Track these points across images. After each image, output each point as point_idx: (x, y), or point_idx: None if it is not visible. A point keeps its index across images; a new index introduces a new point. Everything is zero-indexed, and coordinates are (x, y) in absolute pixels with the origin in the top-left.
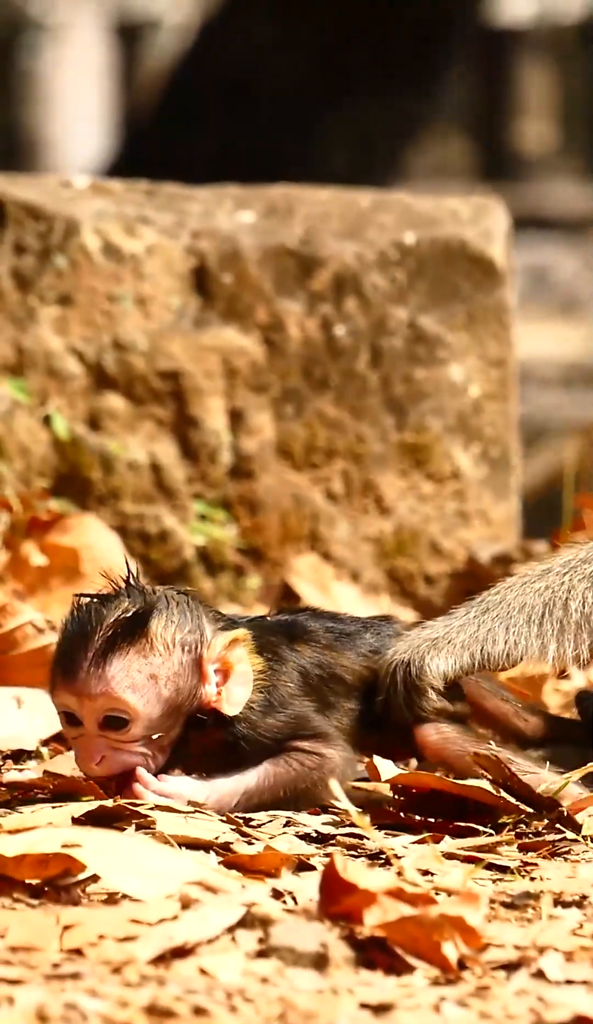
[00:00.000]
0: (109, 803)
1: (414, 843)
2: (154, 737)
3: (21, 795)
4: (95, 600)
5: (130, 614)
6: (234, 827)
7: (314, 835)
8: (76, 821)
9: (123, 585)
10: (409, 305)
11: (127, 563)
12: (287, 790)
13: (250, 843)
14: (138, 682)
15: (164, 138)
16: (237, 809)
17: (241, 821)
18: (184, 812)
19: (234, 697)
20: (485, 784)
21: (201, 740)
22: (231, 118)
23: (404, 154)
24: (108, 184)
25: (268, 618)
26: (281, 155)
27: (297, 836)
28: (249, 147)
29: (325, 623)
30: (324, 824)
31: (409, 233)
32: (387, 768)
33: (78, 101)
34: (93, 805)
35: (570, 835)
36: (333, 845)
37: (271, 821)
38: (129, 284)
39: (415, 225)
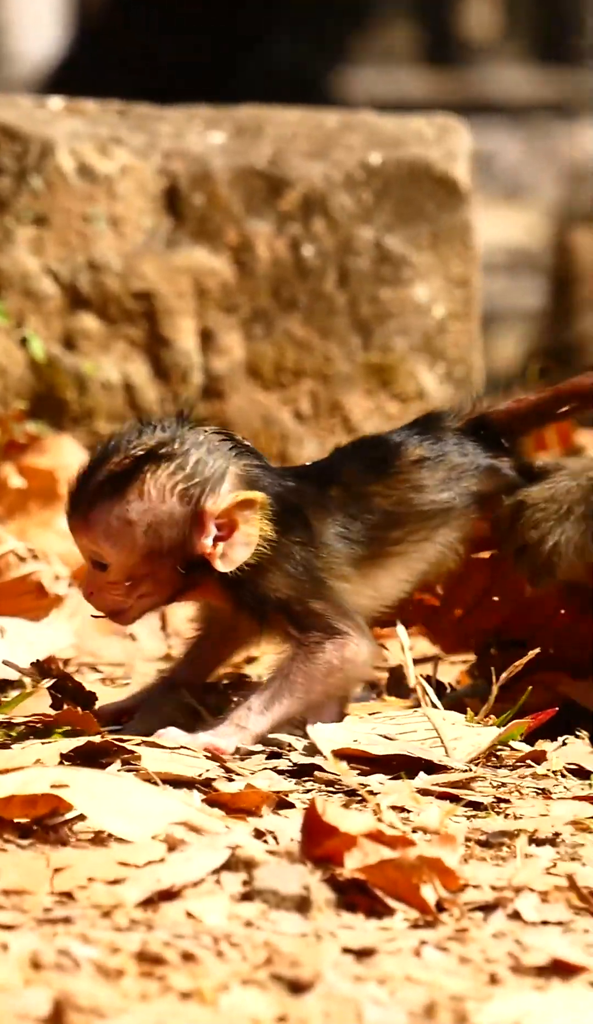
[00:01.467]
0: (96, 739)
1: (390, 780)
2: (136, 584)
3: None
4: (117, 436)
5: (130, 457)
6: (219, 763)
7: (294, 768)
8: (65, 757)
9: (162, 424)
10: (375, 225)
11: (184, 406)
12: (311, 695)
13: (230, 779)
14: (114, 528)
15: (116, 29)
16: (267, 730)
17: (225, 757)
18: (169, 748)
19: (231, 554)
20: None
21: (207, 596)
22: (181, 8)
23: (350, 40)
24: (82, 104)
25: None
26: (232, 47)
27: (276, 771)
28: (200, 39)
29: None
30: (304, 754)
31: (375, 154)
32: (326, 738)
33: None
34: (81, 741)
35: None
36: (312, 781)
37: (252, 755)
38: (103, 204)
39: (381, 145)
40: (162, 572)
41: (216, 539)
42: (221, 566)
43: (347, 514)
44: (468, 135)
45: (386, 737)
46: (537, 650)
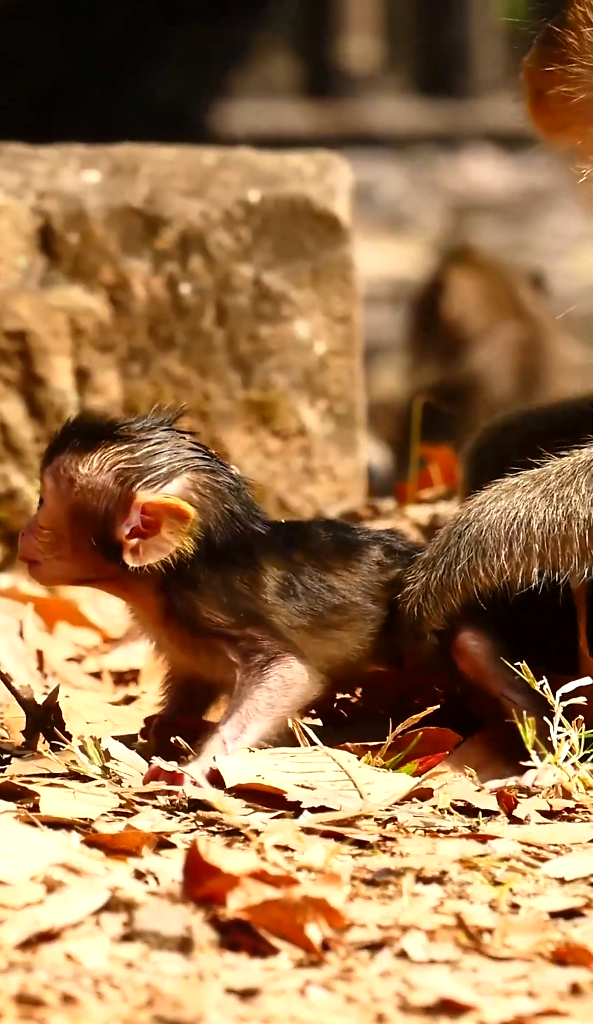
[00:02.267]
0: None
1: (273, 818)
2: (57, 540)
3: None
4: (111, 418)
5: (102, 428)
6: (123, 801)
7: (176, 804)
8: None
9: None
10: (254, 263)
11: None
12: (276, 711)
13: (110, 823)
14: (58, 475)
15: None
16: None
17: (132, 796)
18: (72, 788)
19: (143, 553)
20: None
21: (139, 602)
22: (58, 42)
23: (230, 73)
24: None
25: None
26: (111, 80)
27: (157, 807)
28: (79, 73)
29: (335, 532)
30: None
31: (254, 191)
32: (231, 771)
33: None
34: None
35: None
36: (194, 821)
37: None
38: None
39: (260, 183)
40: (82, 540)
41: (135, 531)
42: (128, 558)
43: (300, 578)
44: (348, 171)
45: (291, 775)
46: (435, 707)
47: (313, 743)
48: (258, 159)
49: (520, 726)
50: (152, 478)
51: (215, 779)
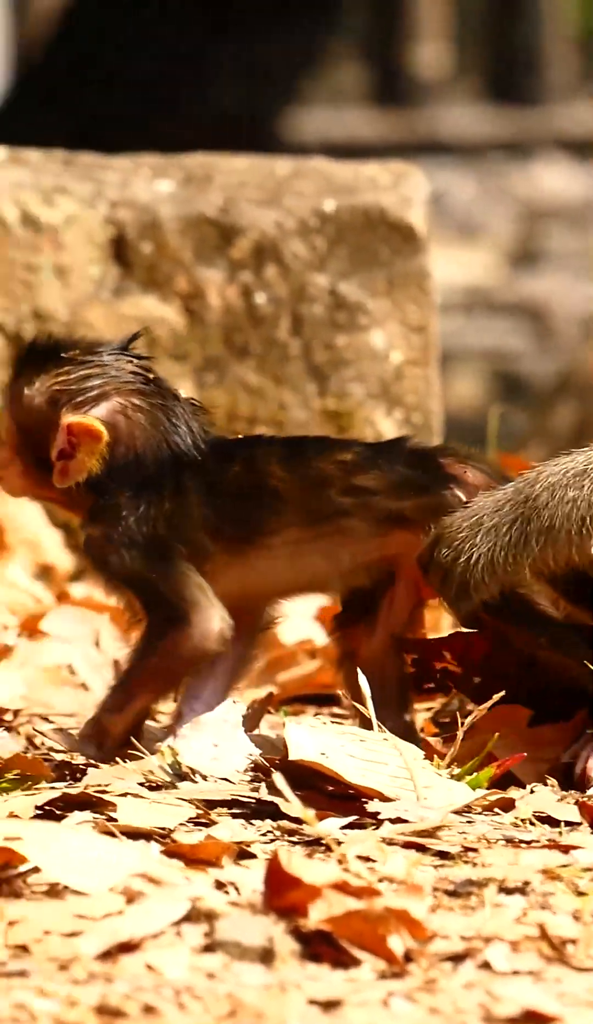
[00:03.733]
0: (74, 791)
1: (346, 826)
2: (12, 456)
3: None
4: (66, 341)
5: (50, 352)
6: (201, 810)
7: (255, 806)
8: (39, 809)
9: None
10: (329, 272)
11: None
12: (148, 684)
13: (189, 832)
14: (9, 395)
15: (57, 75)
16: (119, 723)
17: (205, 807)
18: (149, 798)
19: (63, 470)
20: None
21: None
22: (124, 54)
23: (299, 81)
24: (25, 154)
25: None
26: (176, 90)
27: (233, 816)
28: (144, 82)
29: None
30: (265, 801)
31: (329, 200)
32: (298, 742)
33: None
34: (56, 793)
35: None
36: (273, 830)
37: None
38: (48, 254)
39: (334, 192)
40: (28, 459)
41: (62, 452)
42: (55, 479)
43: (233, 492)
44: (424, 181)
45: (354, 760)
46: (501, 694)
47: (384, 731)
48: (332, 168)
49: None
50: (81, 400)
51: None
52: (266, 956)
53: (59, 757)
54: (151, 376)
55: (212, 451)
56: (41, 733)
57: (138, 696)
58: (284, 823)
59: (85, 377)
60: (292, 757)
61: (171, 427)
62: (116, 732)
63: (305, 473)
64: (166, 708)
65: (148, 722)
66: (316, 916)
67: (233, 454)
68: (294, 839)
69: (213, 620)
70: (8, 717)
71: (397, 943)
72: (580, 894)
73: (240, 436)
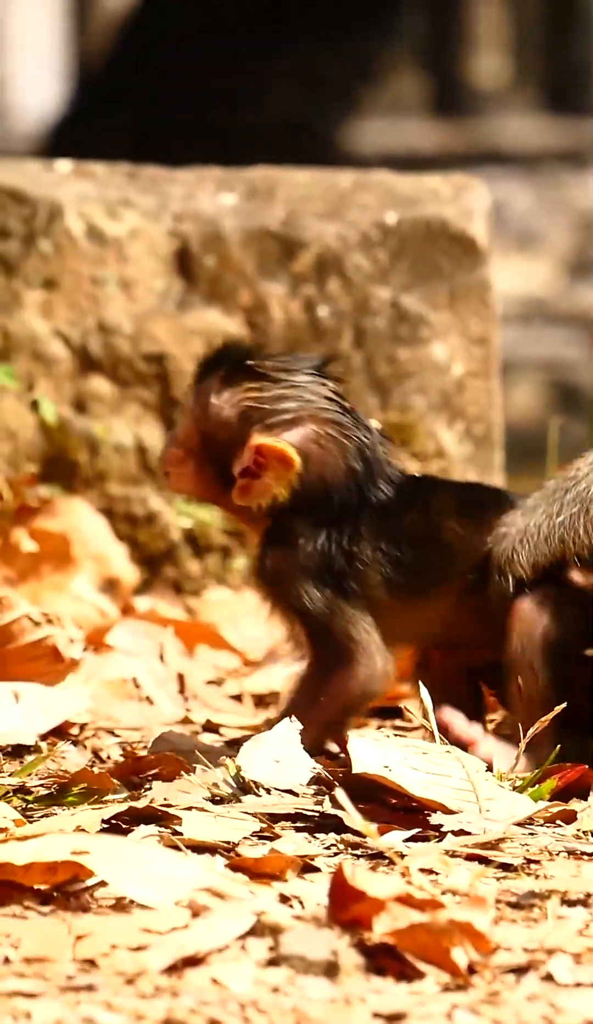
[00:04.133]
0: (140, 804)
1: (409, 839)
2: (188, 455)
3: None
4: (260, 351)
5: (246, 363)
6: (264, 824)
7: (318, 819)
8: (105, 823)
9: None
10: (391, 285)
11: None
12: (314, 722)
13: (253, 846)
14: (198, 401)
15: (117, 85)
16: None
17: (269, 820)
18: (213, 812)
19: (247, 494)
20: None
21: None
22: (184, 62)
23: (357, 92)
24: (90, 167)
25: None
26: (235, 100)
27: (297, 830)
28: (203, 91)
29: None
30: (328, 815)
31: (390, 213)
32: (361, 757)
33: (32, 43)
34: (123, 807)
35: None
36: (337, 844)
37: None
38: (113, 267)
39: (396, 205)
40: (205, 465)
41: (247, 470)
42: (235, 495)
43: (408, 539)
44: (485, 193)
45: (418, 772)
46: (563, 705)
47: (447, 743)
48: (394, 181)
49: None
50: (274, 421)
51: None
52: (330, 970)
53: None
54: (346, 405)
55: (392, 491)
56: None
57: (305, 732)
58: (347, 836)
59: (280, 397)
60: (355, 770)
61: (361, 463)
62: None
63: (480, 527)
64: (228, 722)
65: (211, 736)
66: (380, 929)
67: (411, 498)
68: (357, 852)
69: (378, 661)
70: (74, 731)
71: (461, 956)
72: None
73: (416, 475)
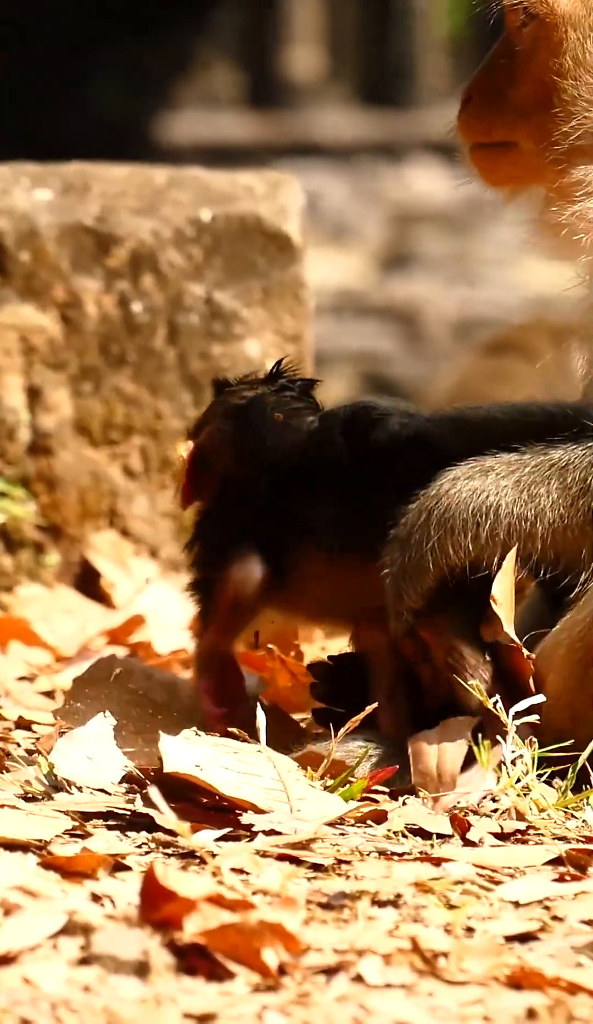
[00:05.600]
0: None
1: (220, 839)
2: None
3: None
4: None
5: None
6: (76, 822)
7: (129, 822)
8: None
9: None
10: (206, 281)
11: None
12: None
13: (65, 844)
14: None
15: None
16: None
17: (81, 818)
18: (25, 809)
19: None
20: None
21: None
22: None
23: (174, 85)
24: None
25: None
26: (51, 93)
27: (109, 828)
28: (18, 86)
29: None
30: (140, 813)
31: (205, 210)
32: (173, 755)
33: None
34: None
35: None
36: (148, 842)
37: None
38: None
39: (211, 202)
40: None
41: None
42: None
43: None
44: (299, 190)
45: (228, 772)
46: (374, 706)
47: (259, 742)
48: (209, 178)
49: (475, 748)
50: (199, 423)
51: None
52: (141, 969)
53: None
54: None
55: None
56: None
57: None
58: (159, 835)
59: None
60: (167, 769)
61: (265, 431)
62: None
63: None
64: (41, 719)
65: (23, 732)
66: (191, 929)
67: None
68: (169, 851)
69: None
70: None
71: (271, 956)
72: (451, 907)
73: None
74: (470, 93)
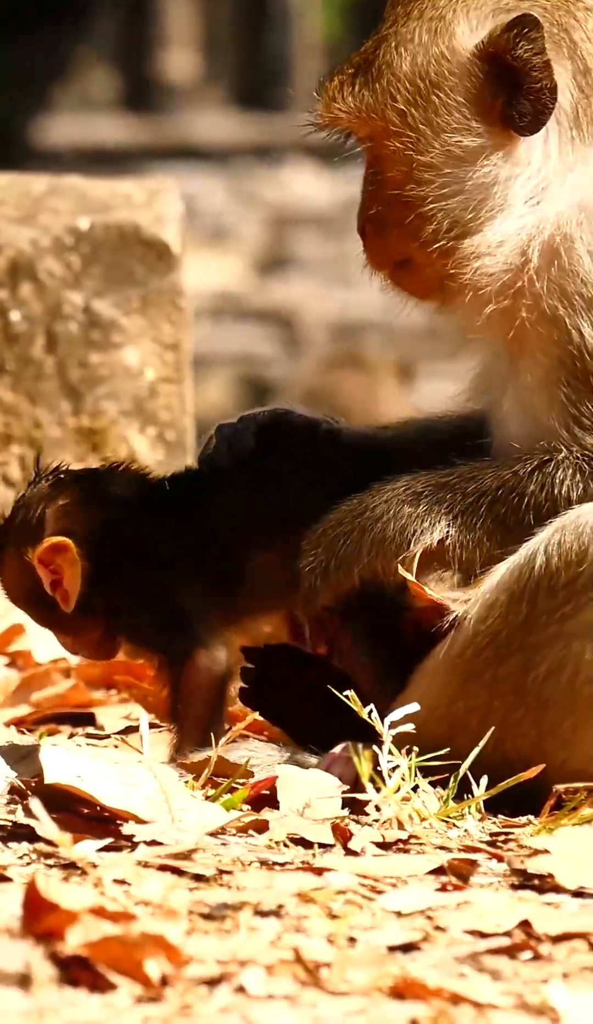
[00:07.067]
0: None
1: (102, 849)
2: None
3: None
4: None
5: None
6: None
7: (10, 832)
8: None
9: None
10: (84, 290)
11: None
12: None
13: None
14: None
15: None
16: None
17: None
18: None
19: (68, 597)
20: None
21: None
22: None
23: (50, 88)
24: None
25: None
26: None
27: None
28: None
29: None
30: (22, 823)
31: (84, 218)
32: (55, 764)
33: None
34: None
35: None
36: (30, 853)
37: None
38: None
39: (89, 210)
40: (50, 618)
41: (54, 584)
42: (65, 608)
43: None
44: (177, 198)
45: (109, 783)
46: (255, 715)
47: (141, 753)
48: (88, 186)
49: (355, 758)
50: (29, 534)
51: None
52: (24, 981)
53: None
54: (63, 473)
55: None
56: None
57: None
58: (41, 846)
59: (21, 516)
60: (48, 780)
61: (111, 504)
62: None
63: None
64: None
65: None
66: (74, 941)
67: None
68: (51, 862)
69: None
70: None
71: (153, 968)
72: (333, 917)
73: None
74: (362, 224)
